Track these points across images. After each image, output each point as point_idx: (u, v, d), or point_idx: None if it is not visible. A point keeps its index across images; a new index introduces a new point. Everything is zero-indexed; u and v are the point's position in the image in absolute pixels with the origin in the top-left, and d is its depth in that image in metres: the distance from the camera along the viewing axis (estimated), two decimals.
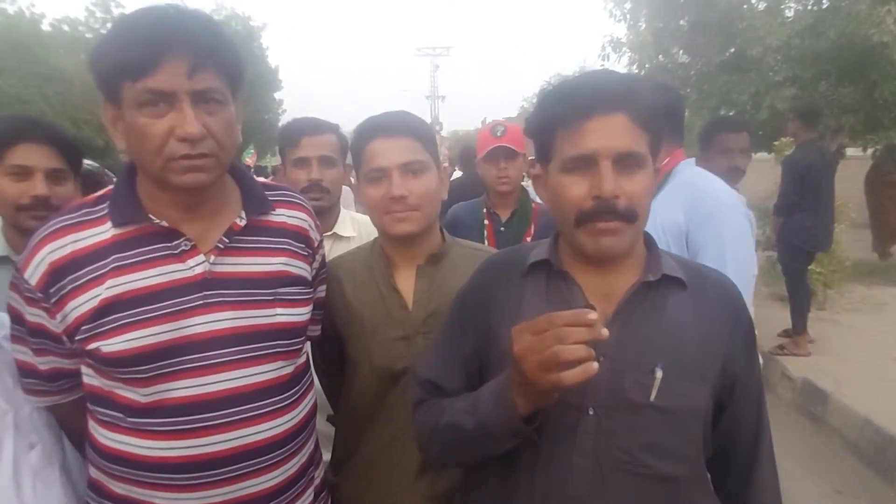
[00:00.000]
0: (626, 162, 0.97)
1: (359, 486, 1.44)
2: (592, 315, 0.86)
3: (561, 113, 1.00)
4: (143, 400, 1.09)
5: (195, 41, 1.02)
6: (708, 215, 1.88)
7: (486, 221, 2.53)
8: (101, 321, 1.07)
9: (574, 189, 0.99)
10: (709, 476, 1.11)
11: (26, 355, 1.19)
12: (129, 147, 1.07)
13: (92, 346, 1.07)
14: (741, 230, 1.93)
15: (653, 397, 0.99)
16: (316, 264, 1.35)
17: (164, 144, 1.03)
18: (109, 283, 1.08)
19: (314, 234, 1.33)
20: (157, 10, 1.03)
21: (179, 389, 1.09)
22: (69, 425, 1.30)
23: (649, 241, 1.11)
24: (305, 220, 1.32)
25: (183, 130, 1.01)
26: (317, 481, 1.34)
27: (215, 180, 1.11)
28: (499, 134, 2.45)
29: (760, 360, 1.14)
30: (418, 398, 1.17)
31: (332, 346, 1.48)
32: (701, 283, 1.08)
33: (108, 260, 1.09)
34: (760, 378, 1.13)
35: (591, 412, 1.00)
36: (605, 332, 0.86)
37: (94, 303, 1.07)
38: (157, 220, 1.11)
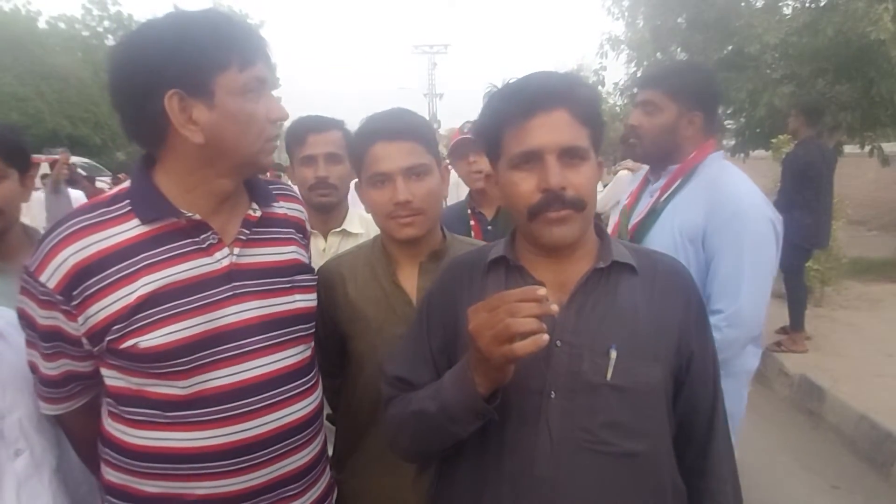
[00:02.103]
0: (570, 155, 1.04)
1: (362, 482, 1.45)
2: (541, 290, 0.92)
3: (506, 112, 1.07)
4: (183, 392, 1.12)
5: (264, 44, 1.16)
6: (728, 220, 1.77)
7: (472, 222, 2.53)
8: (137, 317, 1.08)
9: (523, 184, 1.05)
10: (674, 452, 1.15)
11: (36, 360, 1.20)
12: (226, 134, 1.10)
13: (127, 343, 1.08)
14: (763, 237, 1.81)
15: (609, 377, 1.04)
16: (310, 253, 1.42)
17: (265, 127, 1.14)
18: (143, 280, 1.09)
19: (308, 226, 1.42)
20: (233, 14, 1.18)
21: (218, 379, 1.13)
22: (78, 434, 1.30)
23: (601, 231, 1.18)
24: (302, 212, 1.39)
25: (277, 114, 1.15)
26: (330, 459, 1.42)
27: None
28: (465, 130, 2.48)
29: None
30: (388, 395, 1.20)
31: (334, 345, 1.48)
32: (652, 267, 1.14)
33: (138, 258, 1.10)
34: (715, 354, 1.18)
35: (552, 395, 1.06)
36: (554, 307, 0.93)
37: (130, 300, 1.08)
38: (190, 214, 1.13)
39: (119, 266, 1.09)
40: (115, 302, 1.08)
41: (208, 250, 1.15)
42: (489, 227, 2.49)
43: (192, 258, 1.13)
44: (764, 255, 1.81)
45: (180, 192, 1.14)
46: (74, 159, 14.36)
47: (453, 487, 1.16)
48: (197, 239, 1.14)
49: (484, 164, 2.41)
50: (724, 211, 1.78)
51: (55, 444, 1.30)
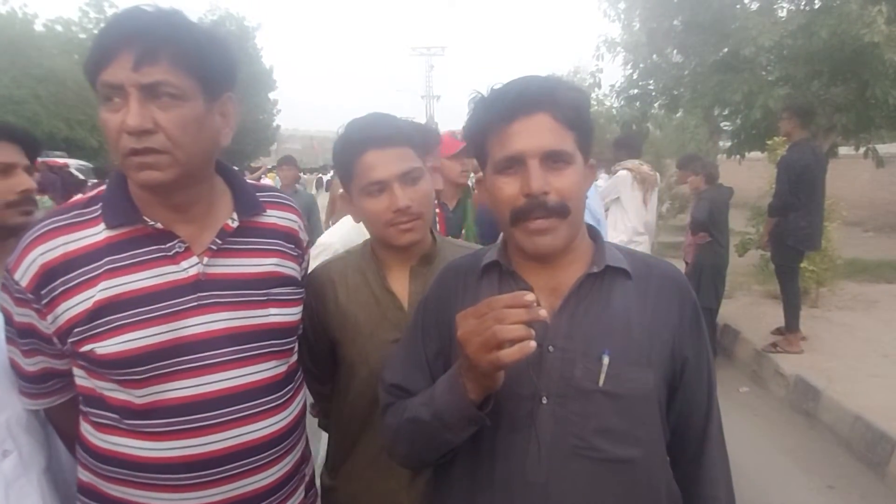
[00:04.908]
0: (553, 159, 1.02)
1: (356, 489, 1.45)
2: (529, 296, 0.90)
3: (489, 118, 1.06)
4: (138, 401, 1.09)
5: (145, 35, 0.99)
6: None
7: (437, 210, 2.74)
8: (95, 323, 1.06)
9: (507, 189, 1.04)
10: (668, 458, 1.15)
11: (16, 356, 1.20)
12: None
13: (86, 347, 1.07)
14: None
15: (601, 383, 1.03)
16: (305, 264, 1.37)
17: (118, 139, 1.02)
18: (103, 284, 1.07)
19: (303, 235, 1.34)
20: (125, 10, 1.04)
21: (176, 390, 1.09)
22: (63, 428, 1.30)
23: (595, 235, 1.16)
24: (295, 222, 1.32)
25: (125, 123, 1.00)
26: (307, 478, 1.37)
27: (176, 179, 1.06)
28: (460, 138, 2.79)
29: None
30: (385, 403, 1.19)
31: (325, 351, 1.48)
32: (647, 272, 1.12)
33: (102, 262, 1.08)
34: (711, 360, 1.17)
35: (544, 401, 1.04)
36: (543, 312, 0.90)
37: (88, 304, 1.07)
38: (152, 222, 1.10)
39: (83, 269, 1.08)
40: (76, 305, 1.07)
41: (175, 258, 1.11)
42: (450, 215, 2.76)
43: (157, 265, 1.10)
44: None
45: (139, 199, 1.12)
46: (70, 162, 14.35)
47: (447, 492, 1.16)
48: (164, 246, 1.11)
49: (469, 166, 2.81)
50: None
51: (44, 444, 1.30)
